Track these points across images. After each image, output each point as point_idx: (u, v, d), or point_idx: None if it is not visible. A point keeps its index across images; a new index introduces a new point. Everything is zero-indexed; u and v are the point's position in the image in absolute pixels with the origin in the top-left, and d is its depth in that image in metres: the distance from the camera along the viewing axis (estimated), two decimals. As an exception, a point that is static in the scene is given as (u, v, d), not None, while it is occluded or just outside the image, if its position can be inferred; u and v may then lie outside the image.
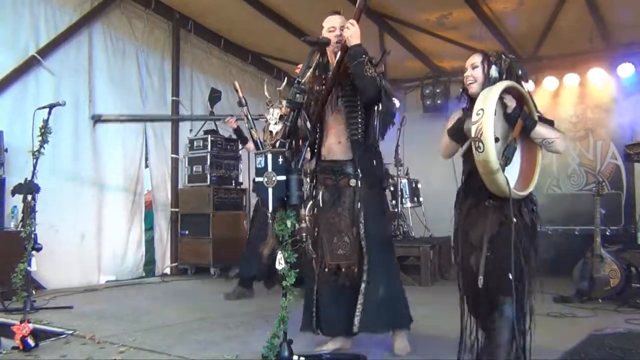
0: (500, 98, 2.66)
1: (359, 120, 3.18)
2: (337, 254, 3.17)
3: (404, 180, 7.29)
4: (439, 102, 8.58)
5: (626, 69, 7.12)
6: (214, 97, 7.69)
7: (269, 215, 2.83)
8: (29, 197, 4.56)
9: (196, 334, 3.71)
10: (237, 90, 3.25)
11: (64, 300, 4.95)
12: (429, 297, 5.35)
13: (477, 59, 2.93)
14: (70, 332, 3.65)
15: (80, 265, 6.13)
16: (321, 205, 3.25)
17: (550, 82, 7.60)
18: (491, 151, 2.49)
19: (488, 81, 2.80)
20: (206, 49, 8.03)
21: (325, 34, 3.26)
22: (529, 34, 7.29)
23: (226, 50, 8.22)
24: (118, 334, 3.66)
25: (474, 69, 2.92)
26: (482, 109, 2.52)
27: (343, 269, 3.15)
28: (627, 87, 7.22)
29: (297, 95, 2.79)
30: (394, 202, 7.20)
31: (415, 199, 7.47)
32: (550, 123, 2.82)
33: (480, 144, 2.49)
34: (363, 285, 3.10)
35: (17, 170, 5.33)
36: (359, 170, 3.17)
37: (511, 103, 2.72)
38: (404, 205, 7.26)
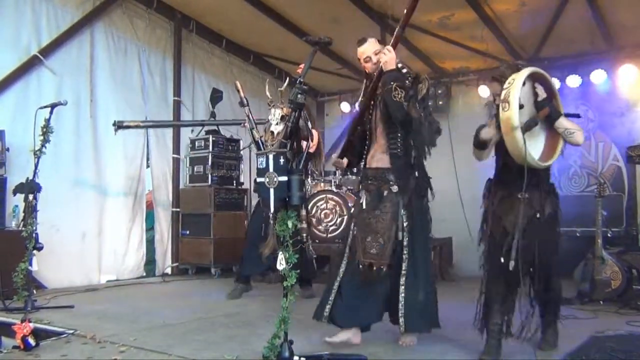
0: (532, 83, 3.10)
1: (398, 136, 3.40)
2: (369, 253, 3.33)
3: (405, 181, 7.26)
4: (440, 103, 8.57)
5: (628, 70, 7.11)
6: (216, 97, 7.69)
7: (270, 215, 2.83)
8: (31, 197, 4.56)
9: (197, 334, 3.70)
10: (238, 90, 3.24)
11: (65, 300, 4.95)
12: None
13: (495, 88, 3.29)
14: (71, 331, 3.65)
15: (81, 264, 6.13)
16: (363, 207, 3.47)
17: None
18: (514, 109, 2.87)
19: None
20: (208, 48, 8.03)
21: (363, 64, 3.54)
22: (530, 35, 7.28)
23: (228, 50, 8.23)
24: (119, 333, 3.66)
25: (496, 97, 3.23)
26: (513, 79, 2.95)
27: (374, 267, 3.31)
28: (628, 88, 7.21)
29: (299, 96, 2.78)
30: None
31: (417, 199, 7.45)
32: (576, 116, 3.25)
33: (506, 104, 2.90)
34: (402, 288, 3.31)
35: (18, 169, 5.34)
36: (399, 179, 3.39)
37: (542, 93, 3.14)
38: (405, 206, 7.23)
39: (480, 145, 3.32)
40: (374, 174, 3.50)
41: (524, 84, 2.95)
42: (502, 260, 3.02)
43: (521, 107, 2.91)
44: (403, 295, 3.31)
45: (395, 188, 3.39)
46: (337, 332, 3.38)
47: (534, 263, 3.05)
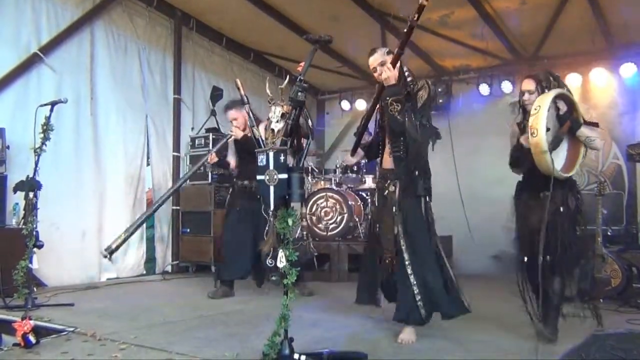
0: (555, 102, 3.39)
1: (401, 141, 3.58)
2: (387, 249, 3.60)
3: (406, 179, 7.26)
4: (441, 101, 8.58)
5: (628, 69, 7.12)
6: (216, 95, 7.70)
7: (270, 213, 2.83)
8: (31, 195, 4.57)
9: (197, 332, 3.71)
10: (238, 88, 3.24)
11: (65, 298, 4.96)
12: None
13: (532, 85, 3.66)
14: (71, 329, 3.65)
15: (82, 262, 6.14)
16: (376, 205, 3.84)
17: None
18: (542, 136, 3.23)
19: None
20: (208, 47, 8.04)
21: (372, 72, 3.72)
22: (531, 33, 7.29)
23: (228, 48, 8.23)
24: (119, 331, 3.66)
25: (531, 95, 3.63)
26: (539, 106, 3.28)
27: (387, 260, 3.60)
28: (629, 87, 7.22)
29: (299, 94, 2.78)
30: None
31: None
32: (595, 125, 3.55)
33: (535, 130, 3.24)
34: (412, 278, 3.46)
35: (18, 167, 5.35)
36: (397, 180, 3.61)
37: (563, 107, 3.45)
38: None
39: (515, 163, 3.68)
40: (383, 173, 3.79)
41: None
42: (528, 256, 3.47)
43: (547, 129, 3.25)
44: (414, 284, 3.46)
45: (392, 187, 3.61)
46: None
47: (553, 253, 3.40)
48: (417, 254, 3.51)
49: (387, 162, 3.74)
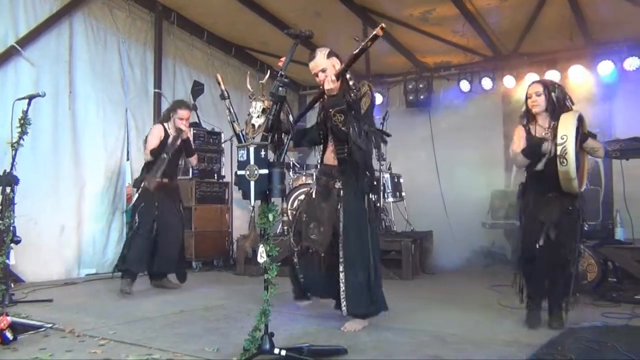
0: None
1: (345, 144, 3.65)
2: (309, 238, 3.69)
3: (386, 175, 7.32)
4: (421, 97, 8.65)
5: (606, 67, 7.22)
6: (197, 89, 7.65)
7: (251, 208, 2.83)
8: (8, 189, 4.50)
9: (177, 327, 3.70)
10: (219, 83, 3.23)
11: (44, 294, 4.91)
12: (409, 291, 5.40)
13: (540, 88, 3.80)
14: (50, 325, 3.62)
15: (60, 258, 6.07)
16: (313, 197, 3.84)
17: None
18: (572, 166, 3.43)
19: (551, 104, 3.74)
20: (189, 41, 7.98)
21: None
22: (511, 30, 7.36)
23: (209, 43, 8.19)
24: (98, 327, 3.64)
25: (538, 96, 3.78)
26: (566, 135, 3.44)
27: (310, 250, 3.68)
28: (606, 84, 7.32)
29: (280, 89, 2.79)
30: (375, 196, 7.24)
31: (398, 193, 7.51)
32: (594, 136, 3.75)
33: (564, 160, 3.43)
34: (342, 275, 3.59)
35: (-5, 162, 5.26)
36: (343, 178, 3.70)
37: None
38: (386, 200, 7.30)
39: (529, 155, 3.75)
40: (326, 170, 3.86)
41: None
42: (539, 245, 3.63)
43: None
44: (343, 279, 3.58)
45: (338, 185, 3.71)
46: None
47: (559, 248, 3.63)
48: (356, 250, 3.60)
49: (330, 159, 3.81)
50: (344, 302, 3.57)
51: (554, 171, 3.53)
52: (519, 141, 3.84)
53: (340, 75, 3.52)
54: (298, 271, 3.78)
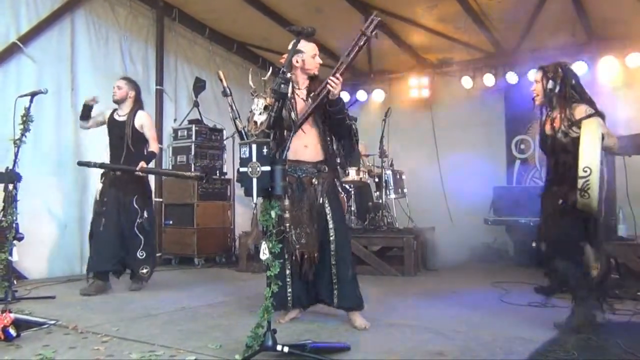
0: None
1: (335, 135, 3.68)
2: (300, 244, 3.54)
3: (389, 172, 7.31)
4: (424, 93, 8.63)
5: (608, 62, 7.19)
6: (198, 86, 7.66)
7: (253, 205, 2.83)
8: (10, 186, 4.51)
9: (180, 324, 3.71)
10: (221, 80, 3.23)
11: (46, 290, 4.93)
12: (412, 287, 5.40)
13: (537, 76, 3.65)
14: (53, 322, 3.63)
15: (63, 254, 6.08)
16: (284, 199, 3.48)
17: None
18: (595, 201, 3.18)
19: (546, 96, 3.57)
20: (191, 37, 7.98)
21: (311, 60, 3.65)
22: (513, 26, 7.33)
23: (211, 39, 8.18)
24: (101, 323, 3.65)
25: (537, 83, 3.62)
26: (589, 168, 3.13)
27: (306, 256, 3.55)
28: (608, 80, 7.29)
29: (282, 86, 2.78)
30: (377, 193, 7.24)
31: (400, 190, 7.50)
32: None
33: (586, 194, 3.16)
34: (334, 269, 3.57)
35: (-2, 159, 5.27)
36: (321, 171, 3.62)
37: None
38: (388, 197, 7.29)
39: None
40: (301, 166, 3.61)
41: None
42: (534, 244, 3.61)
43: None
44: (335, 273, 3.57)
45: (315, 181, 3.60)
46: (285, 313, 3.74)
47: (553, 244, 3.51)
48: (344, 243, 3.63)
49: (301, 154, 3.58)
50: (337, 296, 3.57)
51: (564, 169, 3.43)
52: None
53: (344, 71, 3.46)
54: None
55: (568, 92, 3.53)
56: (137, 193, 5.11)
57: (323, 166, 3.63)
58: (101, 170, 5.18)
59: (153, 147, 5.18)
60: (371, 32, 3.14)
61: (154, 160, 5.35)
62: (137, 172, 4.96)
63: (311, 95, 3.57)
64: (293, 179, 3.56)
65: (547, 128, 3.58)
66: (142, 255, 5.09)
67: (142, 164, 4.99)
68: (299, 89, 3.63)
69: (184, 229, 7.09)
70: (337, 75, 3.39)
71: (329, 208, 3.60)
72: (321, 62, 3.67)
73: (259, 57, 8.85)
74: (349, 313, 3.65)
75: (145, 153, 5.17)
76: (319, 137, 3.64)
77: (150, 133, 5.19)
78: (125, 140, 5.07)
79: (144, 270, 5.16)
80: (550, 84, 3.56)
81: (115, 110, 5.24)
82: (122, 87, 5.22)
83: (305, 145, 3.59)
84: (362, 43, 3.22)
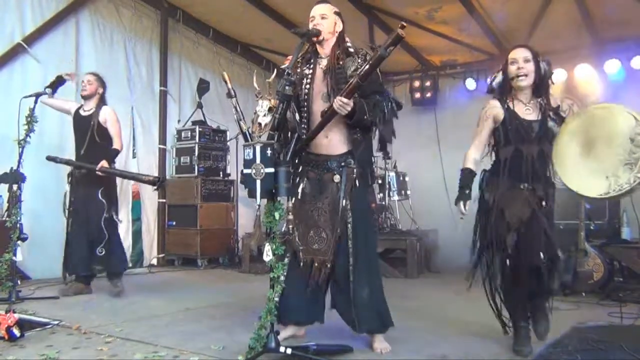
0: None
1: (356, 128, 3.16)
2: (312, 249, 3.18)
3: (392, 173, 7.31)
4: (427, 95, 8.64)
5: (613, 65, 7.17)
6: (202, 87, 7.67)
7: (257, 206, 2.83)
8: (15, 187, 4.53)
9: (183, 325, 3.71)
10: (225, 81, 3.22)
11: (50, 291, 4.93)
12: (415, 289, 5.39)
13: (528, 53, 3.15)
14: (56, 322, 3.64)
15: (66, 255, 6.08)
16: (300, 198, 3.25)
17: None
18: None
19: (540, 78, 3.13)
20: (195, 39, 7.99)
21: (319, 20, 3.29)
22: (517, 28, 7.32)
23: (215, 41, 8.19)
24: (104, 324, 3.66)
25: (526, 62, 3.11)
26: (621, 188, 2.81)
27: (316, 264, 3.16)
28: (612, 83, 7.27)
29: (286, 87, 2.78)
30: (381, 195, 7.23)
31: (403, 192, 7.50)
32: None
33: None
34: (352, 285, 3.09)
35: (2, 159, 5.26)
36: (346, 166, 3.16)
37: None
38: (392, 198, 7.29)
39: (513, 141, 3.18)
40: (317, 160, 3.23)
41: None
42: (506, 252, 3.08)
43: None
44: (353, 291, 3.09)
45: (337, 178, 3.15)
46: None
47: (541, 251, 3.03)
48: (366, 254, 3.16)
49: (322, 146, 3.19)
50: (356, 318, 3.07)
51: (533, 158, 3.02)
52: (488, 127, 3.22)
53: (352, 94, 2.94)
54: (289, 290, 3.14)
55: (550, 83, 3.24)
56: (102, 186, 4.96)
57: (349, 159, 3.15)
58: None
59: (117, 144, 5.05)
60: (387, 50, 2.76)
61: (156, 161, 5.33)
62: (97, 172, 4.83)
63: (321, 112, 3.13)
64: (314, 175, 3.22)
65: (528, 113, 3.16)
66: (102, 252, 4.91)
67: (103, 163, 4.83)
68: (320, 57, 3.31)
69: (187, 230, 7.10)
70: (342, 98, 2.93)
71: (350, 211, 3.12)
72: (318, 22, 3.26)
73: (263, 59, 8.85)
74: (372, 337, 3.19)
75: (109, 149, 5.02)
76: (342, 125, 3.15)
77: (114, 129, 5.06)
78: (88, 135, 4.95)
79: (99, 267, 5.02)
80: (546, 65, 3.17)
81: (81, 106, 5.16)
82: (92, 82, 5.14)
83: (327, 136, 3.16)
84: (377, 63, 2.86)
